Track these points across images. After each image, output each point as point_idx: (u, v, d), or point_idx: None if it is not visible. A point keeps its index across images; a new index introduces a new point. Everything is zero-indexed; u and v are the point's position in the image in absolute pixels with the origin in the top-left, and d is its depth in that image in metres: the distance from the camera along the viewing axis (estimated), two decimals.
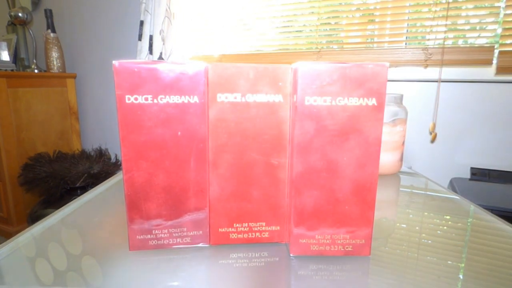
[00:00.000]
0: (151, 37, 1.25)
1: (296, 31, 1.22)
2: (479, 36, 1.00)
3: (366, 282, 0.23)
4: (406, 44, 1.09)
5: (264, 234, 0.28)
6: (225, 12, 1.30)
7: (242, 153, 0.26)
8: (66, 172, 1.18)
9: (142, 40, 1.27)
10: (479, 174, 0.99)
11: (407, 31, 1.08)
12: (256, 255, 0.27)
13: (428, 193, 0.44)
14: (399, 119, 0.50)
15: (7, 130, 1.30)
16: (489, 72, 0.99)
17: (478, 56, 0.97)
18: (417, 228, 0.33)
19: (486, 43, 0.99)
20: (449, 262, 0.26)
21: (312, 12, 1.17)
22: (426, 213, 0.37)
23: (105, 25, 1.51)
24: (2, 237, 1.42)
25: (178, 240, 0.27)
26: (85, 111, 1.65)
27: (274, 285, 0.23)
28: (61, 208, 0.36)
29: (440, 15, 1.01)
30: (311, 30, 1.19)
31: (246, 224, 0.28)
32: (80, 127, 1.68)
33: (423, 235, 0.31)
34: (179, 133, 0.25)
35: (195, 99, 0.25)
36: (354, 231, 0.26)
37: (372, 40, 1.12)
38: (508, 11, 0.94)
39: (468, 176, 1.06)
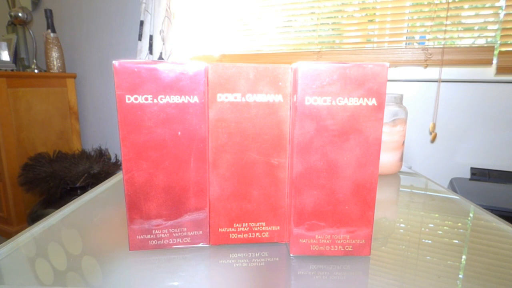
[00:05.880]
0: (151, 37, 1.25)
1: (296, 31, 1.22)
2: (479, 36, 1.00)
3: (366, 282, 0.23)
4: (406, 44, 1.09)
5: (264, 234, 0.28)
6: (225, 12, 1.30)
7: (242, 153, 0.26)
8: (66, 172, 1.18)
9: (142, 40, 1.27)
10: (479, 174, 0.99)
11: (407, 31, 1.08)
12: (256, 255, 0.27)
13: (428, 193, 0.44)
14: (399, 119, 0.50)
15: (7, 130, 1.30)
16: (489, 72, 0.99)
17: (478, 56, 0.97)
18: (417, 228, 0.33)
19: (486, 43, 0.99)
20: (449, 262, 0.26)
21: (312, 12, 1.17)
22: (426, 213, 0.37)
23: (105, 25, 1.51)
24: (2, 237, 1.42)
25: (178, 240, 0.27)
26: (85, 111, 1.66)
27: (274, 285, 0.23)
28: (61, 208, 0.36)
29: (440, 15, 1.01)
30: (311, 30, 1.19)
31: (246, 224, 0.28)
32: (80, 127, 1.68)
33: (423, 235, 0.31)
34: (179, 133, 0.25)
35: (195, 99, 0.25)
36: (354, 231, 0.26)
37: (372, 40, 1.12)
38: (508, 11, 0.94)
39: (468, 176, 1.06)
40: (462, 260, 0.27)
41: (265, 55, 1.26)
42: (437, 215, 0.36)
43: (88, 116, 1.65)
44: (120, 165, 1.35)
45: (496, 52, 0.96)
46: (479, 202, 0.76)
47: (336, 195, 0.26)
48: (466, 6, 0.98)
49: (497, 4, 0.95)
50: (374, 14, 1.10)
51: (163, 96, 0.25)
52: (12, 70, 1.45)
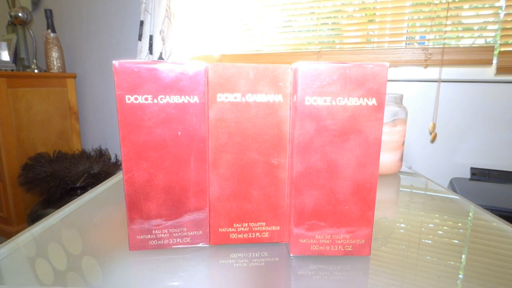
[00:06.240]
0: (151, 37, 1.25)
1: (296, 31, 1.22)
2: (479, 36, 1.00)
3: (366, 282, 0.23)
4: (406, 44, 1.09)
5: (264, 234, 0.28)
6: (225, 12, 1.30)
7: (242, 153, 0.26)
8: (66, 172, 1.18)
9: (142, 40, 1.27)
10: (479, 174, 0.99)
11: (407, 31, 1.08)
12: (256, 255, 0.27)
13: (428, 193, 0.44)
14: (399, 119, 0.50)
15: (7, 130, 1.30)
16: (489, 72, 0.99)
17: (478, 56, 0.97)
18: (417, 228, 0.33)
19: (486, 43, 0.99)
20: (449, 262, 0.26)
21: (312, 12, 1.17)
22: (426, 213, 0.37)
23: (105, 25, 1.51)
24: (2, 237, 1.42)
25: (178, 240, 0.27)
26: (85, 111, 1.66)
27: (274, 285, 0.23)
28: (61, 208, 0.36)
29: (440, 15, 1.01)
30: (311, 30, 1.19)
31: (246, 224, 0.28)
32: (80, 127, 1.68)
33: (423, 235, 0.31)
34: (179, 133, 0.25)
35: (195, 99, 0.25)
36: (354, 231, 0.26)
37: (372, 40, 1.12)
38: (508, 11, 0.94)
39: (468, 176, 1.06)
40: (462, 260, 0.27)
41: (265, 55, 1.26)
42: (437, 215, 0.36)
43: (88, 116, 1.65)
44: (120, 165, 1.35)
45: (496, 52, 0.96)
46: (479, 202, 0.76)
47: (336, 195, 0.26)
48: (466, 6, 0.98)
49: (497, 4, 0.95)
50: (374, 14, 1.10)
51: (163, 96, 0.25)
52: (12, 70, 1.45)
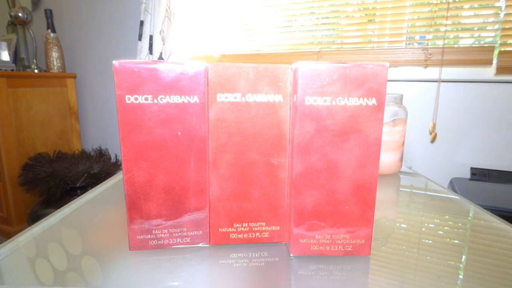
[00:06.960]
0: (151, 37, 1.25)
1: (296, 31, 1.22)
2: (479, 36, 1.00)
3: (366, 282, 0.23)
4: (406, 44, 1.09)
5: (264, 234, 0.28)
6: (225, 12, 1.30)
7: (242, 153, 0.26)
8: (66, 172, 1.18)
9: (142, 40, 1.27)
10: (479, 174, 0.99)
11: (407, 31, 1.08)
12: (256, 255, 0.27)
13: (428, 193, 0.44)
14: (399, 119, 0.50)
15: (7, 130, 1.30)
16: (489, 72, 0.99)
17: (478, 56, 0.97)
18: (417, 228, 0.33)
19: (486, 43, 0.99)
20: (449, 262, 0.26)
21: (312, 12, 1.17)
22: (426, 213, 0.37)
23: (105, 25, 1.51)
24: (2, 237, 1.42)
25: (178, 240, 0.27)
26: (85, 111, 1.65)
27: (274, 285, 0.23)
28: (61, 208, 0.36)
29: (440, 15, 1.01)
30: (311, 30, 1.19)
31: (246, 224, 0.28)
32: (80, 127, 1.68)
33: (423, 235, 0.31)
34: (179, 133, 0.25)
35: (195, 99, 0.25)
36: (354, 231, 0.26)
37: (372, 40, 1.12)
38: (508, 11, 0.94)
39: (468, 176, 1.06)
40: (462, 260, 0.27)
41: (265, 55, 1.26)
42: (437, 215, 0.36)
43: (88, 116, 1.65)
44: (120, 165, 1.35)
45: (496, 52, 0.96)
46: (479, 202, 0.76)
47: (336, 195, 0.26)
48: (466, 6, 0.98)
49: (497, 4, 0.95)
50: (374, 14, 1.10)
51: (163, 96, 0.25)
52: (12, 70, 1.45)
